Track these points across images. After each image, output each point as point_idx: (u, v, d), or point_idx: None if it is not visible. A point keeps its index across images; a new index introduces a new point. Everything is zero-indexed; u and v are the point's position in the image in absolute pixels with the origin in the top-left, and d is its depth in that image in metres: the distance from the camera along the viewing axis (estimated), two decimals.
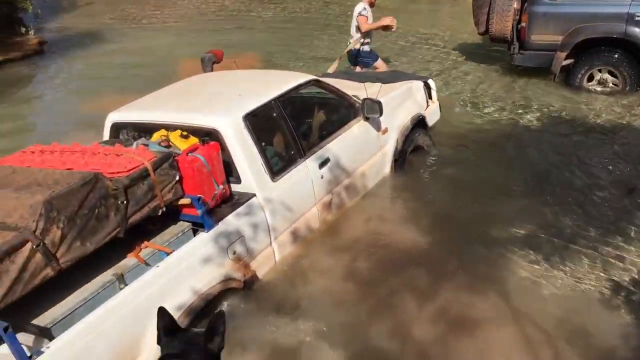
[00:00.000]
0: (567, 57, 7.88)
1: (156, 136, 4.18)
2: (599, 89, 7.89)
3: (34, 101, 10.89)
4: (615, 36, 7.47)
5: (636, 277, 4.23)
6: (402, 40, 11.58)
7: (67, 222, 3.09)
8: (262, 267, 4.33)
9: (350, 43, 8.25)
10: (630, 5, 7.35)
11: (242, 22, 15.15)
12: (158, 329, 2.14)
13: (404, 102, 6.00)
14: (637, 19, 7.33)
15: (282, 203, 4.42)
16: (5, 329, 2.74)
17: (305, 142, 4.85)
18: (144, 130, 4.46)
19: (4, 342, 2.88)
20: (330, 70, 7.97)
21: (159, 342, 2.13)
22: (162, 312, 2.17)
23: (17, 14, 15.20)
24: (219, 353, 2.11)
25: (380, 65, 8.40)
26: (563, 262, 4.43)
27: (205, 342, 2.07)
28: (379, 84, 5.93)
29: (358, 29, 8.02)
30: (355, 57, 8.24)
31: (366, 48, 8.23)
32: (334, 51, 11.35)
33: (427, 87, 6.51)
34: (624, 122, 6.96)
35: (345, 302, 4.18)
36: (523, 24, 8.13)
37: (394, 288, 4.30)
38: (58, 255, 3.06)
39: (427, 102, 6.47)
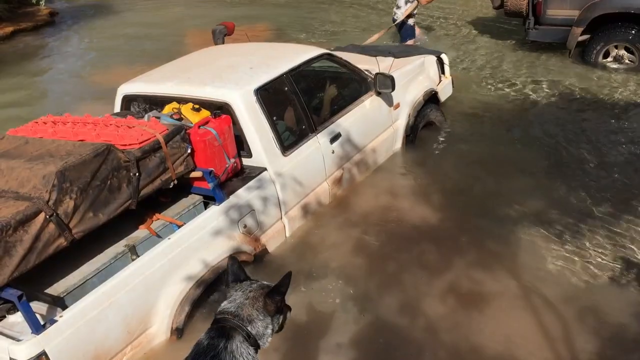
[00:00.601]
0: (583, 33, 7.74)
1: (168, 109, 4.17)
2: (614, 65, 7.76)
3: (45, 72, 10.89)
4: (632, 12, 7.32)
5: None
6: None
7: (80, 193, 3.11)
8: (272, 241, 4.36)
9: (396, 13, 8.42)
10: None
11: None
12: (227, 274, 2.22)
13: (417, 77, 5.94)
14: None
15: (292, 177, 4.42)
16: (20, 298, 2.79)
17: (317, 116, 4.84)
18: (156, 102, 4.46)
19: (18, 310, 2.93)
20: (368, 42, 8.05)
21: (226, 286, 2.21)
22: (232, 260, 2.25)
23: None
24: (278, 309, 2.15)
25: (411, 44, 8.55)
26: (575, 240, 4.41)
27: (264, 297, 2.11)
28: (392, 58, 5.88)
29: (410, 0, 8.19)
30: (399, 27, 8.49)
31: (410, 22, 8.42)
32: (346, 25, 11.27)
33: (440, 62, 6.45)
34: (639, 100, 6.86)
35: (355, 277, 4.19)
36: None
37: (404, 263, 4.32)
38: (71, 225, 3.09)
39: (440, 77, 6.41)
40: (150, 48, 10.63)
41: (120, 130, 3.59)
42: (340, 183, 4.98)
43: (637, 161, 5.46)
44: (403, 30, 8.59)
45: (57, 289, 3.25)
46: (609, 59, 7.80)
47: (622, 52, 7.68)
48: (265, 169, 4.27)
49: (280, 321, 2.20)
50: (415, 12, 8.51)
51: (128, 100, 4.69)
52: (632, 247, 4.30)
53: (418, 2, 8.33)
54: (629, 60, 7.67)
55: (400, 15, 8.40)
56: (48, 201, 2.97)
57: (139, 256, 3.53)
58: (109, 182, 3.27)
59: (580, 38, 7.79)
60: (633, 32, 7.49)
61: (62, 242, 3.06)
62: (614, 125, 6.30)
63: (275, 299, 2.12)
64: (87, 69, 10.42)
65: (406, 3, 8.32)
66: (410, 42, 8.57)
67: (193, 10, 13.64)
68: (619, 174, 5.27)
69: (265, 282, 2.21)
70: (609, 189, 5.06)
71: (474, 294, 3.93)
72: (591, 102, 6.96)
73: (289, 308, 2.28)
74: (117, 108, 4.73)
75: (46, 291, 3.24)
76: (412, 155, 5.80)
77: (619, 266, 4.12)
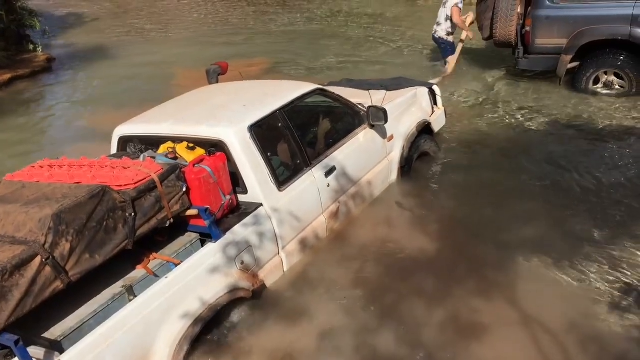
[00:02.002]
0: (572, 60, 7.83)
1: (163, 148, 4.21)
2: (605, 91, 7.84)
3: (43, 117, 10.98)
4: (619, 38, 7.45)
5: None
6: (406, 46, 11.64)
7: (76, 235, 3.12)
8: (270, 277, 4.35)
9: (437, 31, 9.42)
10: (634, 7, 7.29)
11: (247, 34, 15.24)
12: None
13: (409, 109, 6.00)
14: None
15: (289, 212, 4.43)
16: (16, 342, 2.77)
17: (311, 151, 4.88)
18: (151, 142, 4.50)
19: (15, 356, 2.91)
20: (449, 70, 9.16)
21: None
22: None
23: (25, 31, 15.36)
24: None
25: (452, 60, 9.43)
26: (573, 266, 4.40)
27: None
28: (384, 91, 5.95)
29: (450, 18, 9.09)
30: (439, 43, 9.52)
31: (450, 39, 9.37)
32: (340, 60, 11.43)
33: (432, 93, 6.52)
34: (631, 125, 6.92)
35: (354, 310, 4.18)
36: (527, 28, 8.11)
37: (403, 294, 4.31)
38: (67, 268, 3.09)
39: (433, 108, 6.47)
40: (146, 90, 10.75)
41: (115, 172, 3.62)
42: (336, 216, 4.98)
43: (634, 186, 5.47)
44: (444, 47, 9.50)
45: (54, 332, 3.22)
46: (599, 85, 7.89)
47: (612, 78, 7.77)
48: (261, 205, 4.28)
49: None
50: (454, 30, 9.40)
51: (124, 142, 4.74)
52: (632, 272, 4.29)
53: (451, 21, 9.13)
54: (619, 86, 7.76)
55: (440, 32, 9.35)
56: (44, 244, 2.98)
57: (136, 296, 3.52)
58: (105, 223, 3.28)
59: (570, 65, 7.88)
60: (621, 58, 7.60)
61: (58, 285, 3.06)
62: (607, 151, 6.33)
63: None
64: (83, 113, 10.52)
65: (446, 20, 9.17)
66: (450, 57, 9.46)
67: (187, 51, 13.83)
68: (615, 200, 5.29)
69: None
70: (606, 215, 5.07)
71: (472, 323, 3.91)
72: (583, 128, 7.02)
73: None
74: (114, 149, 4.77)
75: (43, 335, 3.22)
76: (408, 186, 5.81)
77: (620, 292, 4.10)
